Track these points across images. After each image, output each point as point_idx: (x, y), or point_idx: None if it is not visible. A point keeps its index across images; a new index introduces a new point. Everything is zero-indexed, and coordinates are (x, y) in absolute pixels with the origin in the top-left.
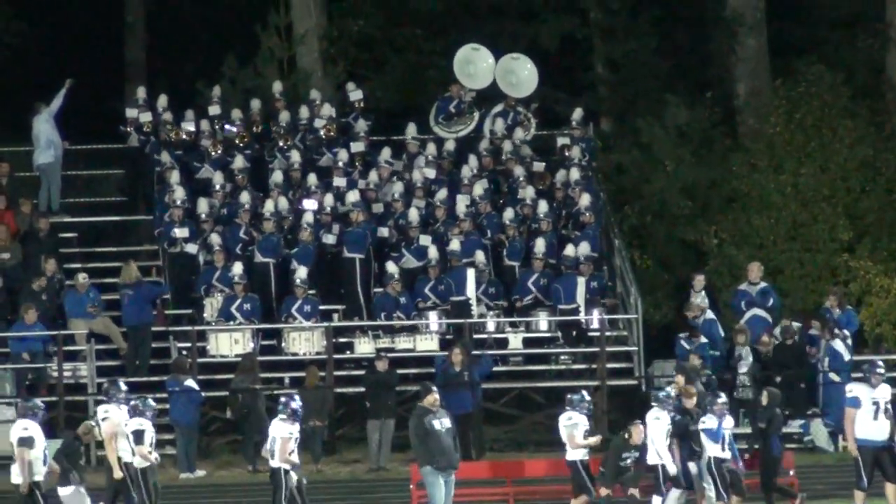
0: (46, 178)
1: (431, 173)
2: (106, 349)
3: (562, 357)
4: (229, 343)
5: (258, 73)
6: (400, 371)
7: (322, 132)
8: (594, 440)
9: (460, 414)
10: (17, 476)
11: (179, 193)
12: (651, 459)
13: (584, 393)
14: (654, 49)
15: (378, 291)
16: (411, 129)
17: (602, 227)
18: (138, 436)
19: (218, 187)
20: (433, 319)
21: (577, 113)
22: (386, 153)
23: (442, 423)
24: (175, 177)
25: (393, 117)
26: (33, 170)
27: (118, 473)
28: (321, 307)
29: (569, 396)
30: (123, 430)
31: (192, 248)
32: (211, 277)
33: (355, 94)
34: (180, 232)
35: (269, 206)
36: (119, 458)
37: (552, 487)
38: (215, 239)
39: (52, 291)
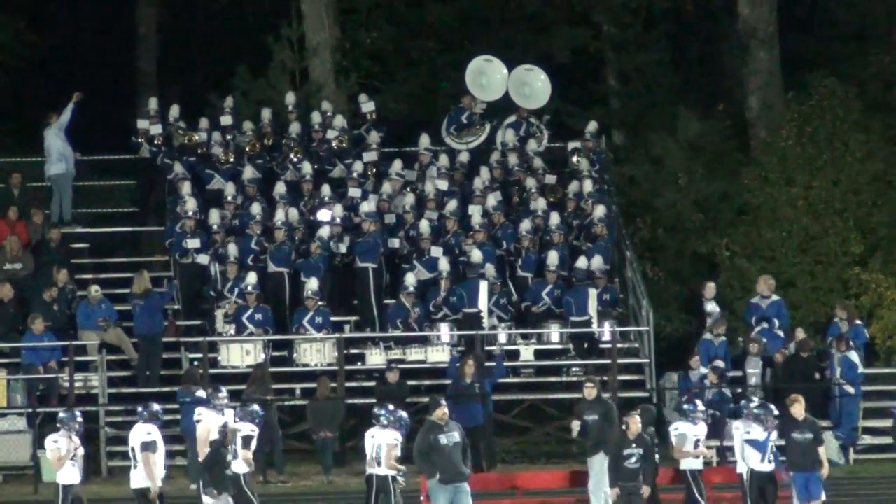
0: (58, 189)
1: (444, 185)
2: (117, 360)
3: (573, 369)
4: (240, 354)
5: (270, 84)
6: (411, 382)
7: (334, 143)
8: (703, 451)
9: (471, 426)
10: (137, 480)
11: (191, 204)
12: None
13: (699, 402)
14: (666, 62)
15: (391, 302)
16: (424, 141)
17: (614, 240)
18: (247, 441)
19: (230, 198)
20: (444, 331)
21: (592, 125)
22: (397, 165)
23: (449, 437)
24: (187, 187)
25: (405, 129)
26: (45, 181)
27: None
28: (332, 318)
29: (683, 406)
30: (214, 436)
31: (203, 259)
32: (222, 288)
33: (367, 106)
34: (192, 243)
35: (279, 215)
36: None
37: (563, 499)
38: (232, 250)
39: (63, 302)
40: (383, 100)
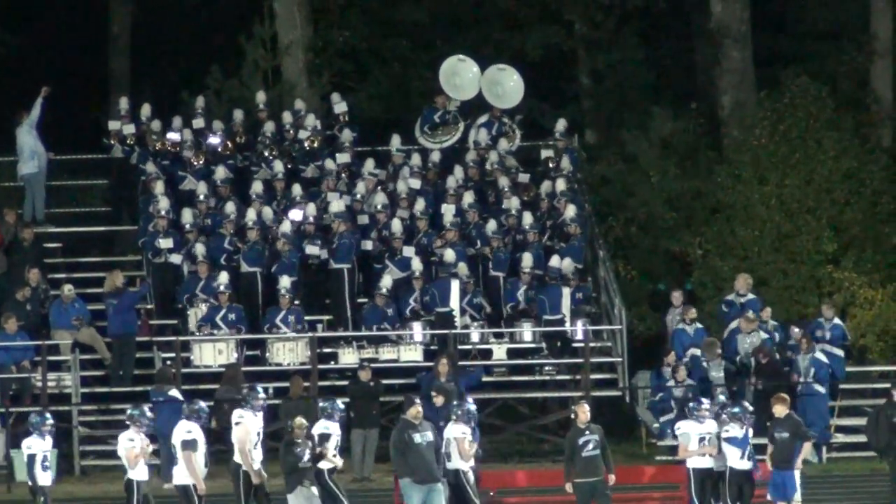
0: (31, 189)
1: (416, 184)
2: (90, 359)
3: (546, 368)
4: (213, 353)
5: (243, 83)
6: (384, 381)
7: (306, 144)
8: (708, 449)
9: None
10: (179, 477)
11: (164, 204)
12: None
13: (704, 400)
14: (638, 60)
15: (366, 303)
16: (395, 141)
17: (586, 239)
18: (323, 438)
19: (202, 198)
20: (417, 330)
21: (561, 123)
22: (370, 164)
23: (423, 436)
24: (160, 187)
25: (378, 128)
26: (18, 180)
27: (256, 479)
28: (305, 317)
29: (689, 405)
30: (254, 438)
31: (176, 259)
32: (194, 287)
33: (340, 107)
34: (165, 242)
35: (251, 214)
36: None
37: (537, 498)
38: (199, 249)
39: (36, 301)
40: (356, 99)
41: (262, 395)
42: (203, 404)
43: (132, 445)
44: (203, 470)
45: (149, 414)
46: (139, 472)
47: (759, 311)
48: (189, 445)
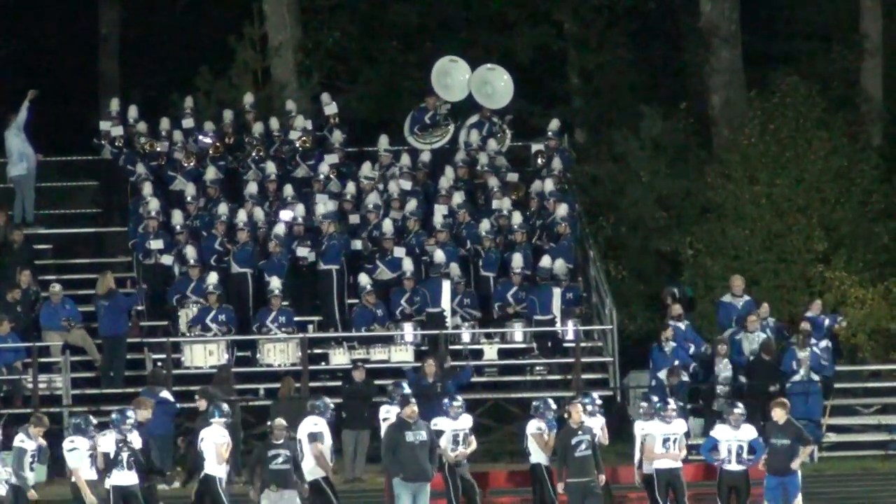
0: (20, 191)
1: (407, 185)
2: (81, 361)
3: (537, 368)
4: (204, 354)
5: (232, 84)
6: (375, 382)
7: (297, 144)
8: (674, 454)
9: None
10: (310, 473)
11: (154, 205)
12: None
13: (670, 400)
14: (628, 60)
15: (356, 304)
16: (384, 142)
17: (577, 239)
18: (465, 437)
19: (190, 199)
20: (408, 331)
21: (554, 123)
22: (367, 168)
23: (417, 435)
24: (149, 188)
25: (368, 129)
26: (7, 182)
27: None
28: (296, 318)
29: (657, 404)
30: None
31: (167, 260)
32: (185, 288)
33: (330, 109)
34: (155, 243)
35: (241, 215)
36: None
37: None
38: (191, 252)
39: (26, 303)
40: (346, 99)
41: (406, 390)
42: (327, 399)
43: (225, 441)
44: (330, 465)
45: (227, 410)
46: (222, 469)
47: (756, 311)
48: (316, 437)
